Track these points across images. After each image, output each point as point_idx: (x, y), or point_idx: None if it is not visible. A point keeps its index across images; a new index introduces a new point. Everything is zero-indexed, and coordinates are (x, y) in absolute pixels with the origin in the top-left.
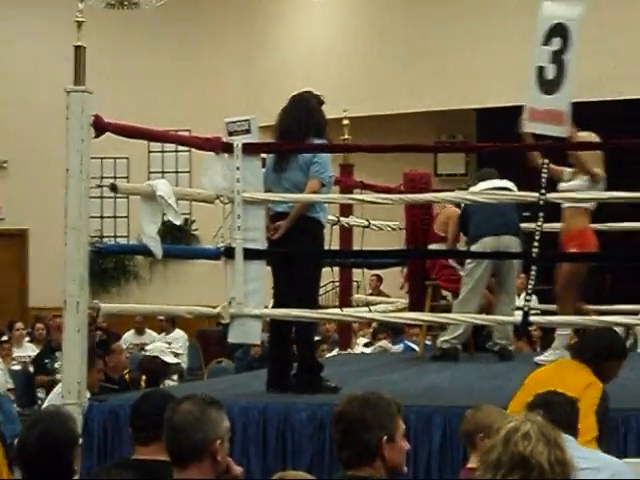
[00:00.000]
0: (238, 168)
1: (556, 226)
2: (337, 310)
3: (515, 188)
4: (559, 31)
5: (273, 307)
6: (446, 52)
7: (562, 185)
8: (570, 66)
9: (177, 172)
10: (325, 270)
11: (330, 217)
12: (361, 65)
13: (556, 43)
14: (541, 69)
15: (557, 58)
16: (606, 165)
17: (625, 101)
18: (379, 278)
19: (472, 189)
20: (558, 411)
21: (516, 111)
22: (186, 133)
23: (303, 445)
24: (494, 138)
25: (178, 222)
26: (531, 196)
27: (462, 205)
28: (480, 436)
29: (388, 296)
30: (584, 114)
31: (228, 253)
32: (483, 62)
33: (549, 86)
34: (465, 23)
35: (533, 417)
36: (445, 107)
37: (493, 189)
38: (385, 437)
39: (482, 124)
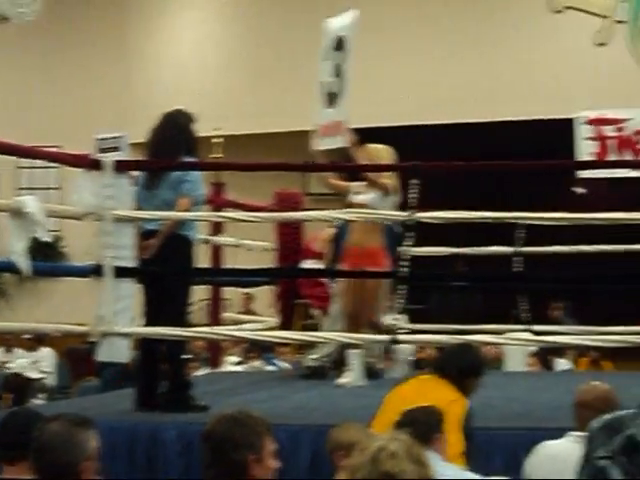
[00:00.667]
0: (108, 185)
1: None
2: (207, 328)
3: None
4: (340, 44)
5: (143, 325)
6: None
7: (355, 198)
8: (347, 76)
9: (47, 189)
10: (196, 288)
11: (201, 235)
12: (234, 83)
13: (336, 56)
14: (324, 84)
15: (338, 70)
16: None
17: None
18: (250, 297)
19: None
20: (422, 428)
21: (384, 131)
22: (57, 149)
23: (172, 464)
24: None
25: (47, 239)
26: (401, 215)
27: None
28: (341, 454)
29: (259, 315)
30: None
31: (98, 271)
32: (361, 81)
33: (332, 99)
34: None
35: (399, 435)
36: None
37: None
38: (253, 456)
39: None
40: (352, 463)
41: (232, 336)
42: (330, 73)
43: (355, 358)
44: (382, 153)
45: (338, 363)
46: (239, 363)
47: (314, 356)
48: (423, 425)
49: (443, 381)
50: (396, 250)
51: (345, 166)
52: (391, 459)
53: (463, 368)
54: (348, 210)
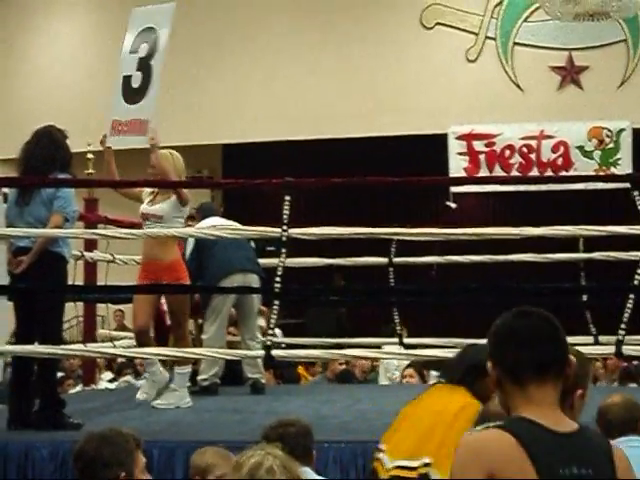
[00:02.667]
0: None
1: (302, 261)
2: (81, 346)
3: (239, 225)
4: (147, 37)
5: (15, 343)
6: (196, 85)
7: (148, 208)
8: (156, 72)
9: None
10: (69, 305)
11: (74, 252)
12: (106, 100)
13: (143, 49)
14: (127, 78)
15: (144, 65)
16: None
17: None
18: (123, 313)
19: (199, 225)
20: (294, 442)
21: (262, 147)
22: None
23: None
24: (240, 173)
25: None
26: (274, 232)
27: (188, 241)
28: (197, 478)
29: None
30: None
31: None
32: (231, 96)
33: (135, 95)
34: (210, 56)
35: (273, 451)
36: (192, 142)
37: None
38: (123, 474)
39: (228, 159)
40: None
41: (106, 353)
42: (133, 66)
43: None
44: (172, 158)
45: (227, 378)
46: (112, 380)
47: (203, 376)
48: (293, 441)
49: (456, 387)
50: (256, 263)
51: (255, 183)
52: (268, 474)
53: (467, 369)
54: (221, 227)
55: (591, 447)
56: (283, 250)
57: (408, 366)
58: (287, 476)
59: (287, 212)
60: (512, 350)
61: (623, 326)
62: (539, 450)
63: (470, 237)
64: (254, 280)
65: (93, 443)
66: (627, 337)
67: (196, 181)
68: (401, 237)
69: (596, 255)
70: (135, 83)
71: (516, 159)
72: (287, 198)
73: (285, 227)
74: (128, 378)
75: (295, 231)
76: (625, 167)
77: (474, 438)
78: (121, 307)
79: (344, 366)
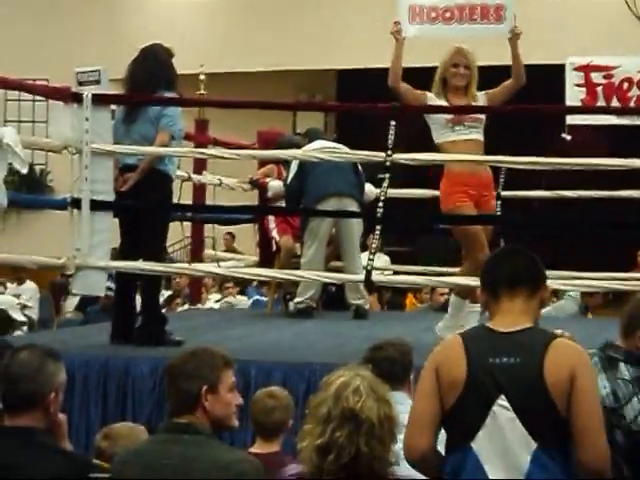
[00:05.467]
0: (87, 119)
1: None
2: (184, 264)
3: (346, 149)
4: None
5: (119, 259)
6: (307, 11)
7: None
8: None
9: (34, 122)
10: (176, 226)
11: (182, 173)
12: (221, 21)
13: None
14: None
15: None
16: None
17: None
18: (232, 235)
19: (305, 148)
20: (387, 365)
21: (377, 73)
22: (43, 83)
23: (144, 398)
24: (354, 99)
25: (24, 171)
26: (378, 156)
27: (292, 164)
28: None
29: (242, 253)
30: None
31: (75, 204)
32: (343, 23)
33: None
34: None
35: (363, 372)
36: (305, 66)
37: (326, 149)
38: (205, 387)
39: (342, 84)
40: (316, 399)
41: (209, 272)
42: None
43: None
44: None
45: (331, 303)
46: (219, 300)
47: (298, 299)
48: (385, 364)
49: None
50: (363, 192)
51: (368, 107)
52: (354, 395)
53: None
54: (326, 149)
55: (526, 342)
56: (387, 175)
57: None
58: (373, 397)
59: (392, 137)
60: (493, 272)
61: None
62: (474, 345)
63: (577, 167)
64: (351, 204)
65: (181, 358)
66: None
67: (311, 104)
68: (510, 165)
69: None
70: None
71: (634, 92)
72: (392, 123)
73: (390, 152)
74: (230, 299)
75: (399, 156)
76: None
77: (437, 345)
78: (229, 229)
79: (443, 297)
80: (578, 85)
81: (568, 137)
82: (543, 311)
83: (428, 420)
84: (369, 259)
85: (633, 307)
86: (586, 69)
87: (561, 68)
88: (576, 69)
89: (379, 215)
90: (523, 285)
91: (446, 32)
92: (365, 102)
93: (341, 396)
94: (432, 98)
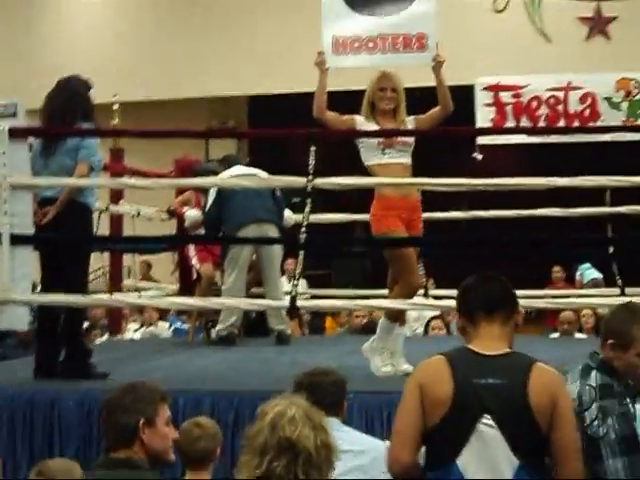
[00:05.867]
0: (4, 152)
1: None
2: (106, 295)
3: (264, 175)
4: None
5: (41, 292)
6: (220, 37)
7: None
8: None
9: None
10: (95, 255)
11: (100, 204)
12: (134, 49)
13: None
14: None
15: None
16: None
17: None
18: (148, 264)
19: (222, 175)
20: (322, 393)
21: (288, 98)
22: None
23: (71, 432)
24: (265, 124)
25: None
26: (299, 182)
27: (211, 190)
28: None
29: (158, 282)
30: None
31: None
32: (256, 48)
33: (373, 4)
34: (245, 7)
35: (297, 401)
36: (217, 93)
37: (245, 175)
38: (143, 420)
39: (253, 110)
40: (252, 429)
41: (131, 303)
42: None
43: None
44: None
45: (252, 330)
46: (138, 329)
47: (220, 327)
48: (321, 391)
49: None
50: (282, 218)
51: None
52: (290, 424)
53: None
54: (249, 176)
55: (509, 365)
56: (308, 200)
57: (434, 318)
58: (310, 426)
59: (312, 162)
60: (470, 299)
61: None
62: (460, 366)
63: (497, 187)
64: (271, 230)
65: (119, 391)
66: None
67: (225, 130)
68: (427, 187)
69: (623, 209)
70: None
71: (543, 111)
72: (313, 149)
73: (311, 177)
74: (151, 328)
75: (320, 181)
76: None
77: (420, 364)
78: (146, 258)
79: (366, 319)
80: (488, 105)
81: (479, 156)
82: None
83: (411, 435)
84: (293, 285)
85: (606, 318)
86: (495, 89)
87: (471, 88)
88: (485, 89)
89: (302, 240)
90: (500, 310)
91: (370, 62)
92: (276, 127)
93: (277, 426)
94: (361, 122)
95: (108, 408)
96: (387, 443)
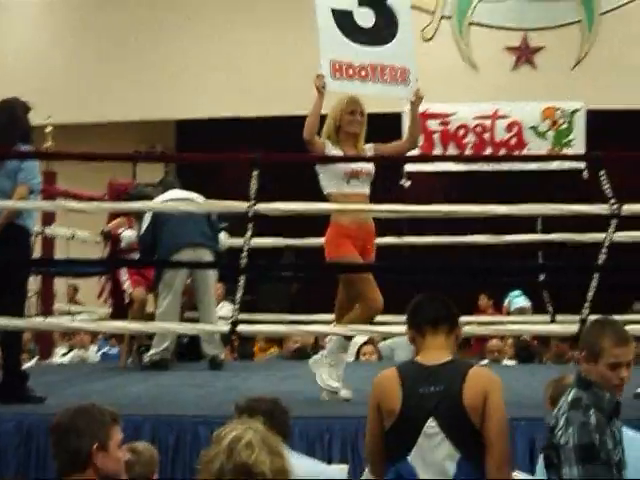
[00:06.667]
0: None
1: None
2: (43, 319)
3: (201, 199)
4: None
5: None
6: (149, 61)
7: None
8: (403, 15)
9: None
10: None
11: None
12: (65, 72)
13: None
14: (344, 14)
15: (375, 3)
16: None
17: None
18: (75, 288)
19: (158, 199)
20: (274, 419)
21: (216, 123)
22: None
23: (9, 456)
24: (193, 149)
25: None
26: (239, 207)
27: (146, 214)
28: None
29: (84, 305)
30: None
31: None
32: (183, 73)
33: (366, 36)
34: (173, 31)
35: (254, 425)
36: (145, 117)
37: (180, 200)
38: (96, 445)
39: (181, 134)
40: (208, 453)
41: (67, 327)
42: (354, 2)
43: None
44: None
45: (178, 354)
46: (66, 353)
47: (153, 351)
48: (276, 416)
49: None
50: (217, 242)
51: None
52: (247, 449)
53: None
54: (185, 200)
55: (448, 372)
56: (250, 225)
57: (366, 343)
58: (266, 451)
59: (255, 187)
60: (418, 313)
61: (587, 305)
62: (408, 377)
63: (428, 214)
64: (205, 255)
65: (68, 415)
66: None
67: (160, 155)
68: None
69: (554, 237)
70: (363, 21)
71: (470, 138)
72: (255, 173)
73: (252, 202)
74: (81, 353)
75: (262, 207)
76: (578, 148)
77: (375, 379)
78: (72, 282)
79: (298, 344)
80: None
81: (407, 183)
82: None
83: (377, 439)
84: (234, 310)
85: (584, 331)
86: (423, 117)
87: (398, 116)
88: None
89: (243, 265)
90: (443, 324)
91: (362, 89)
92: (204, 151)
93: (234, 450)
94: (329, 147)
95: (58, 432)
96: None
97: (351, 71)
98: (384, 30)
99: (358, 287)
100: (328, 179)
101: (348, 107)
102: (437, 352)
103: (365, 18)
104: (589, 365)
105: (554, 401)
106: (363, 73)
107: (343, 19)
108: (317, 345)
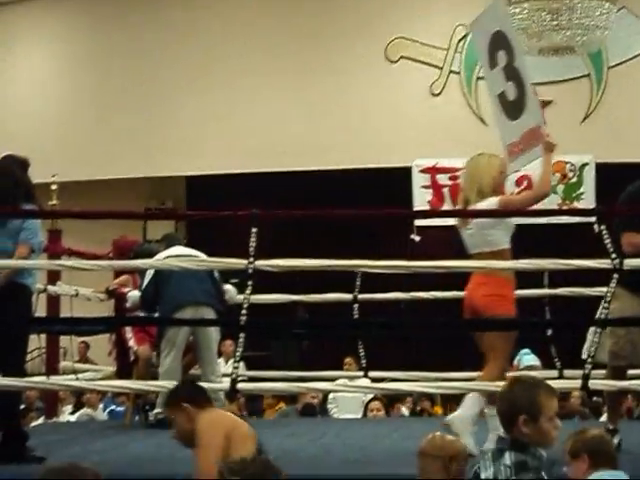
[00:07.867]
0: None
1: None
2: (43, 378)
3: (203, 255)
4: (498, 43)
5: None
6: (157, 117)
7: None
8: (524, 71)
9: None
10: (32, 337)
11: (38, 284)
12: (72, 130)
13: (502, 58)
14: (502, 95)
15: (510, 72)
16: None
17: None
18: (86, 345)
19: (160, 255)
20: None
21: (226, 178)
22: None
23: None
24: (203, 204)
25: None
26: (239, 264)
27: (148, 271)
28: None
29: (95, 363)
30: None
31: None
32: (195, 128)
33: (516, 108)
34: (180, 87)
35: None
36: (155, 173)
37: (181, 256)
38: None
39: (191, 190)
40: None
41: (69, 386)
42: (502, 80)
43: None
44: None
45: None
46: (74, 412)
47: (158, 410)
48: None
49: None
50: (220, 296)
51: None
52: None
53: None
54: (188, 257)
55: None
56: (250, 282)
57: (373, 399)
58: None
59: (254, 244)
60: None
61: (589, 360)
62: None
63: (435, 270)
64: (208, 313)
65: (50, 477)
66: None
67: (165, 212)
68: (368, 269)
69: (561, 291)
70: (511, 95)
71: None
72: (254, 230)
73: (252, 259)
74: (89, 411)
75: (261, 263)
76: (588, 202)
77: None
78: (84, 339)
79: (315, 399)
80: (425, 187)
81: (417, 238)
82: None
83: None
84: (234, 367)
85: (505, 399)
86: (432, 171)
87: (408, 170)
88: (422, 171)
89: (242, 322)
90: None
91: (527, 161)
92: (215, 207)
93: None
94: None
95: None
96: None
97: (515, 149)
98: (524, 96)
99: (503, 345)
100: (503, 235)
101: (500, 168)
102: None
103: (512, 92)
104: (528, 427)
105: (573, 454)
106: (521, 146)
107: (502, 101)
108: (325, 402)
